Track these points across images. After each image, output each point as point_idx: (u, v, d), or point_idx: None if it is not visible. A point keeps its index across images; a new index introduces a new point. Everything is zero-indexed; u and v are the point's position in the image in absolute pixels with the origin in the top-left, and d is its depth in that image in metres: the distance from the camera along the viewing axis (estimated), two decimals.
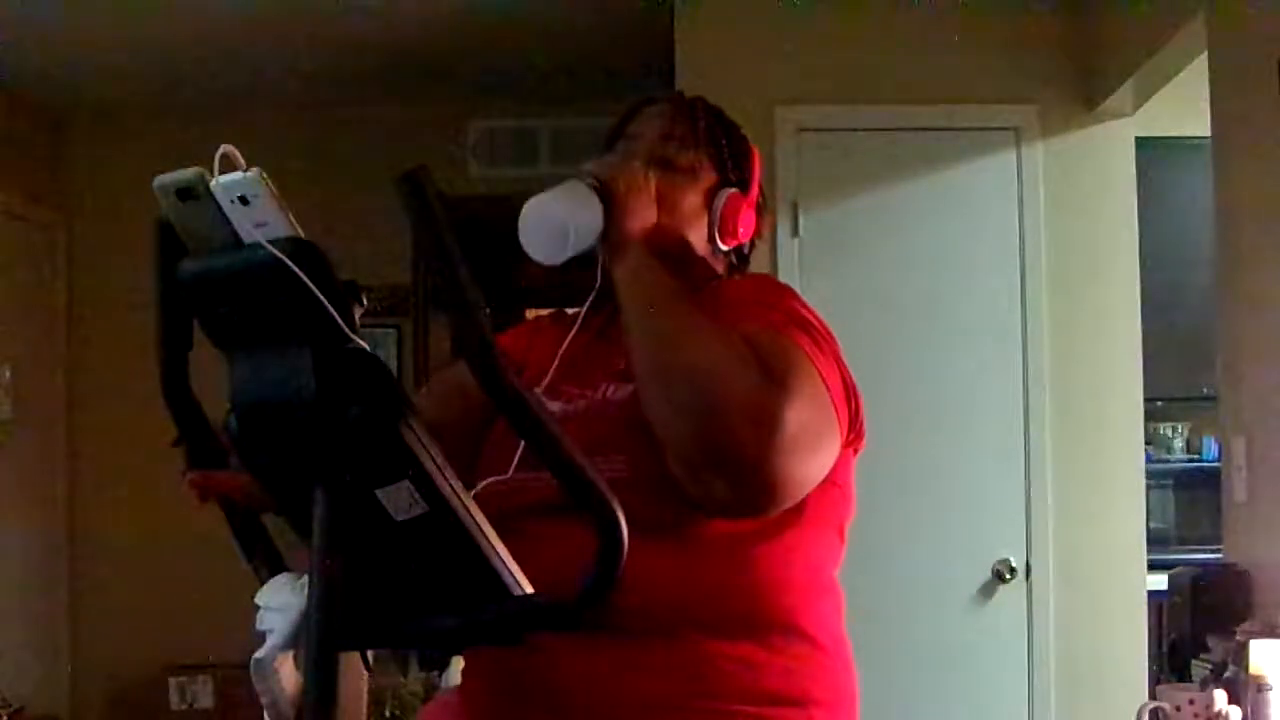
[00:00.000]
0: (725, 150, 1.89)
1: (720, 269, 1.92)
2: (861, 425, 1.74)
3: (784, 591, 1.69)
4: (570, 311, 1.96)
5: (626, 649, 1.61)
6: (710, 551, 1.65)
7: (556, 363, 1.84)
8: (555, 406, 1.79)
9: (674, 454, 1.59)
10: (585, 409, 1.77)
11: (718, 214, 1.86)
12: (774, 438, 1.53)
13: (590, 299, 1.90)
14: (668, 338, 1.62)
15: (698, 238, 1.86)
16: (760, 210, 1.94)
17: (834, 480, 1.70)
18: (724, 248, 1.89)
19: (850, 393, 1.70)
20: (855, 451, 1.77)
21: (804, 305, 1.78)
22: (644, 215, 1.73)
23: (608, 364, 1.79)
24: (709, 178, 1.87)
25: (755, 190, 1.92)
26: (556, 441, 1.41)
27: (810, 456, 1.59)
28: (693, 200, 1.85)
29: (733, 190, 1.88)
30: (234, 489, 1.66)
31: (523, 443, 1.66)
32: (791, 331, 1.67)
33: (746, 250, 1.95)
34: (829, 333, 1.75)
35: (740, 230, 1.88)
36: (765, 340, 1.62)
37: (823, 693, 1.72)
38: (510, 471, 1.70)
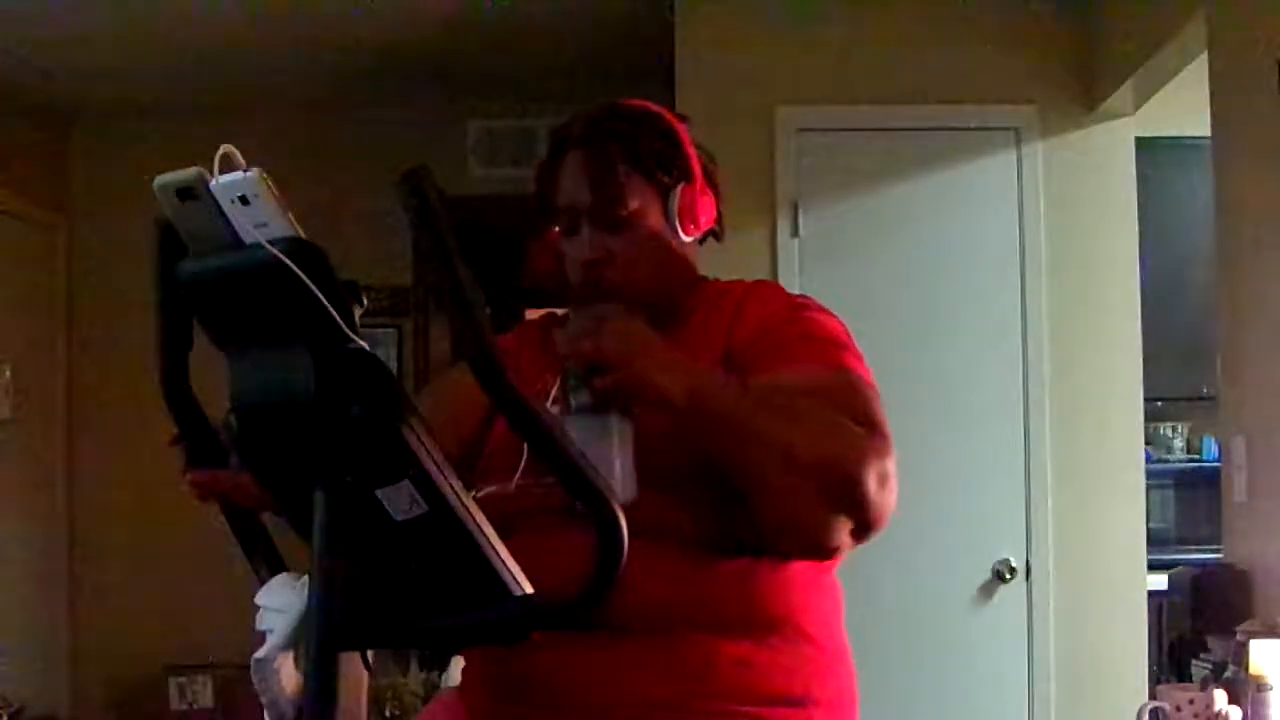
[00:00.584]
0: (654, 166, 1.85)
1: (693, 254, 1.93)
2: None
3: (783, 592, 1.69)
4: (561, 314, 1.96)
5: (627, 649, 1.61)
6: (711, 553, 1.65)
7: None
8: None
9: (794, 529, 1.64)
10: None
11: (674, 216, 1.85)
12: (890, 487, 1.62)
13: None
14: (775, 443, 1.60)
15: (681, 244, 1.88)
16: (712, 181, 1.92)
17: None
18: (688, 238, 1.89)
19: None
20: None
21: (829, 315, 1.81)
22: (663, 370, 1.61)
23: None
24: (654, 198, 1.85)
25: (698, 170, 1.89)
26: (556, 442, 1.41)
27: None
28: (658, 227, 1.85)
29: (681, 186, 1.86)
30: (234, 489, 1.66)
31: (526, 449, 1.66)
32: (847, 361, 1.72)
33: (718, 228, 1.96)
34: (850, 336, 1.79)
35: (701, 217, 1.89)
36: (835, 386, 1.67)
37: (822, 692, 1.72)
38: (516, 477, 1.70)
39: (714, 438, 1.62)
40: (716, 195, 1.92)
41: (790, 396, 1.64)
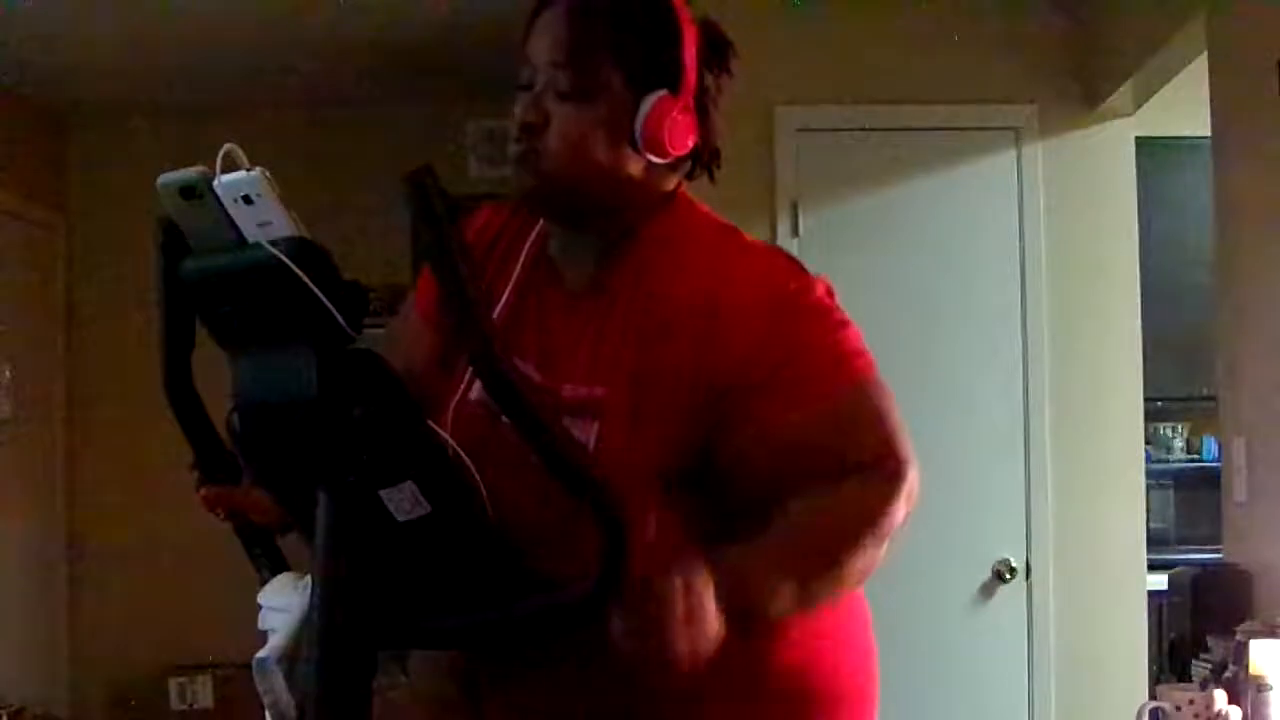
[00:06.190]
0: (635, 54, 1.59)
1: (673, 184, 1.67)
2: None
3: None
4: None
5: None
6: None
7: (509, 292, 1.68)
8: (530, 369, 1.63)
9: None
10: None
11: (638, 124, 1.58)
12: (913, 494, 1.65)
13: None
14: (825, 582, 1.58)
15: (635, 159, 1.61)
16: (704, 107, 1.65)
17: None
18: (661, 161, 1.62)
19: None
20: None
21: (818, 295, 1.64)
22: (701, 631, 1.46)
23: (573, 347, 1.63)
24: (625, 93, 1.58)
25: (689, 85, 1.62)
26: (560, 443, 1.41)
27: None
28: (612, 122, 1.58)
29: (659, 94, 1.59)
30: (249, 506, 1.65)
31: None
32: (848, 374, 1.60)
33: (707, 159, 1.69)
34: (840, 309, 1.67)
35: (670, 141, 1.60)
36: (844, 424, 1.59)
37: (849, 680, 1.72)
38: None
39: (779, 616, 1.57)
40: (707, 123, 1.66)
41: (815, 521, 1.55)
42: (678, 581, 1.44)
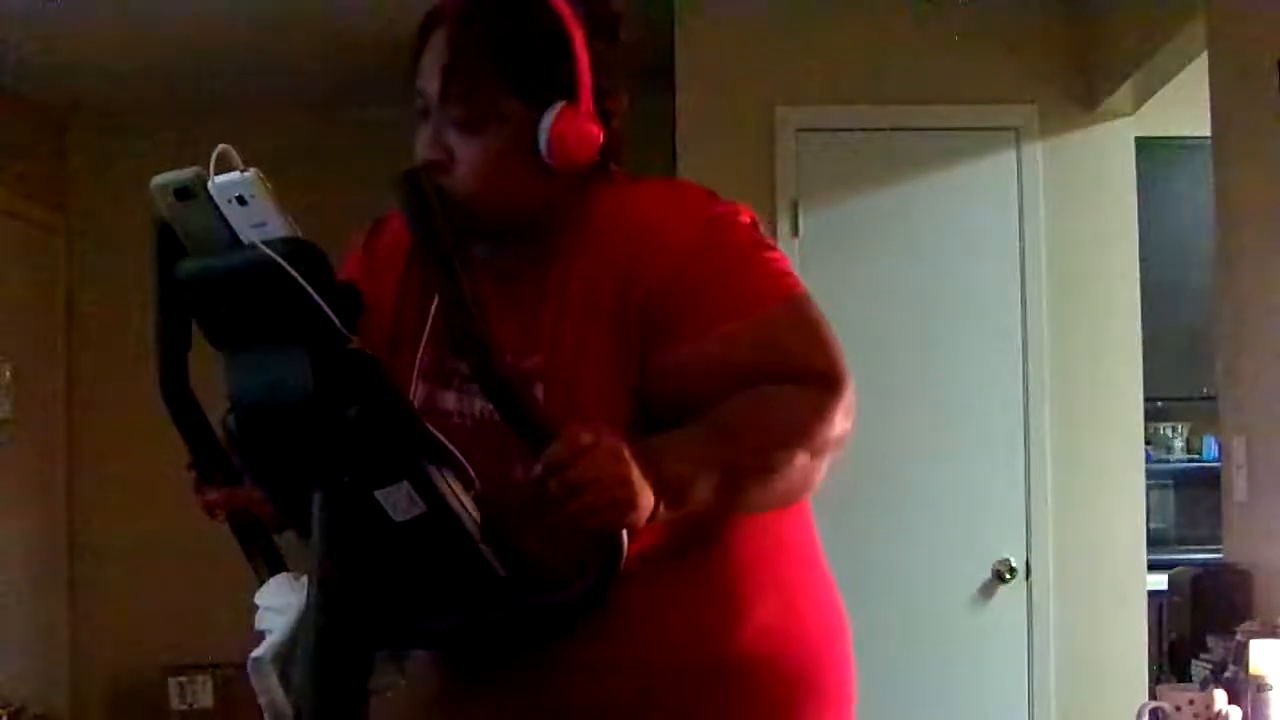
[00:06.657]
0: (527, 71, 1.56)
1: (588, 174, 1.63)
2: None
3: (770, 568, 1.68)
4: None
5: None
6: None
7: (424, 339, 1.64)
8: (450, 398, 1.63)
9: (792, 498, 1.63)
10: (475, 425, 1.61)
11: (543, 139, 1.55)
12: (852, 409, 1.58)
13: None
14: (752, 468, 1.55)
15: (548, 171, 1.58)
16: (607, 109, 1.61)
17: None
18: (558, 169, 1.58)
19: None
20: None
21: (741, 220, 1.64)
22: (641, 497, 1.44)
23: (506, 329, 1.56)
24: (523, 110, 1.56)
25: (585, 90, 1.57)
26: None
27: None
28: (517, 144, 1.56)
29: (558, 107, 1.56)
30: (253, 505, 1.65)
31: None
32: (774, 291, 1.61)
33: (614, 151, 1.65)
34: (761, 231, 1.67)
35: (576, 148, 1.57)
36: (773, 339, 1.58)
37: (831, 676, 1.72)
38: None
39: (699, 507, 1.53)
40: (610, 128, 1.61)
41: (743, 411, 1.53)
42: (598, 440, 1.41)
